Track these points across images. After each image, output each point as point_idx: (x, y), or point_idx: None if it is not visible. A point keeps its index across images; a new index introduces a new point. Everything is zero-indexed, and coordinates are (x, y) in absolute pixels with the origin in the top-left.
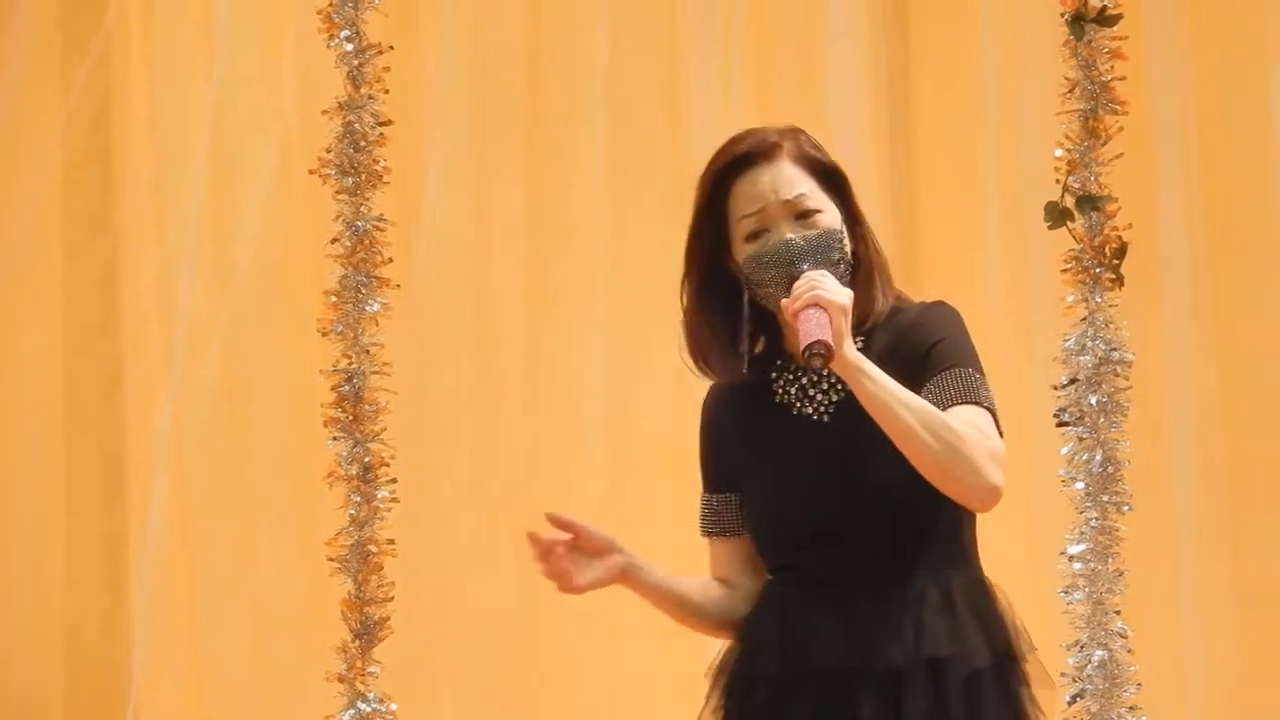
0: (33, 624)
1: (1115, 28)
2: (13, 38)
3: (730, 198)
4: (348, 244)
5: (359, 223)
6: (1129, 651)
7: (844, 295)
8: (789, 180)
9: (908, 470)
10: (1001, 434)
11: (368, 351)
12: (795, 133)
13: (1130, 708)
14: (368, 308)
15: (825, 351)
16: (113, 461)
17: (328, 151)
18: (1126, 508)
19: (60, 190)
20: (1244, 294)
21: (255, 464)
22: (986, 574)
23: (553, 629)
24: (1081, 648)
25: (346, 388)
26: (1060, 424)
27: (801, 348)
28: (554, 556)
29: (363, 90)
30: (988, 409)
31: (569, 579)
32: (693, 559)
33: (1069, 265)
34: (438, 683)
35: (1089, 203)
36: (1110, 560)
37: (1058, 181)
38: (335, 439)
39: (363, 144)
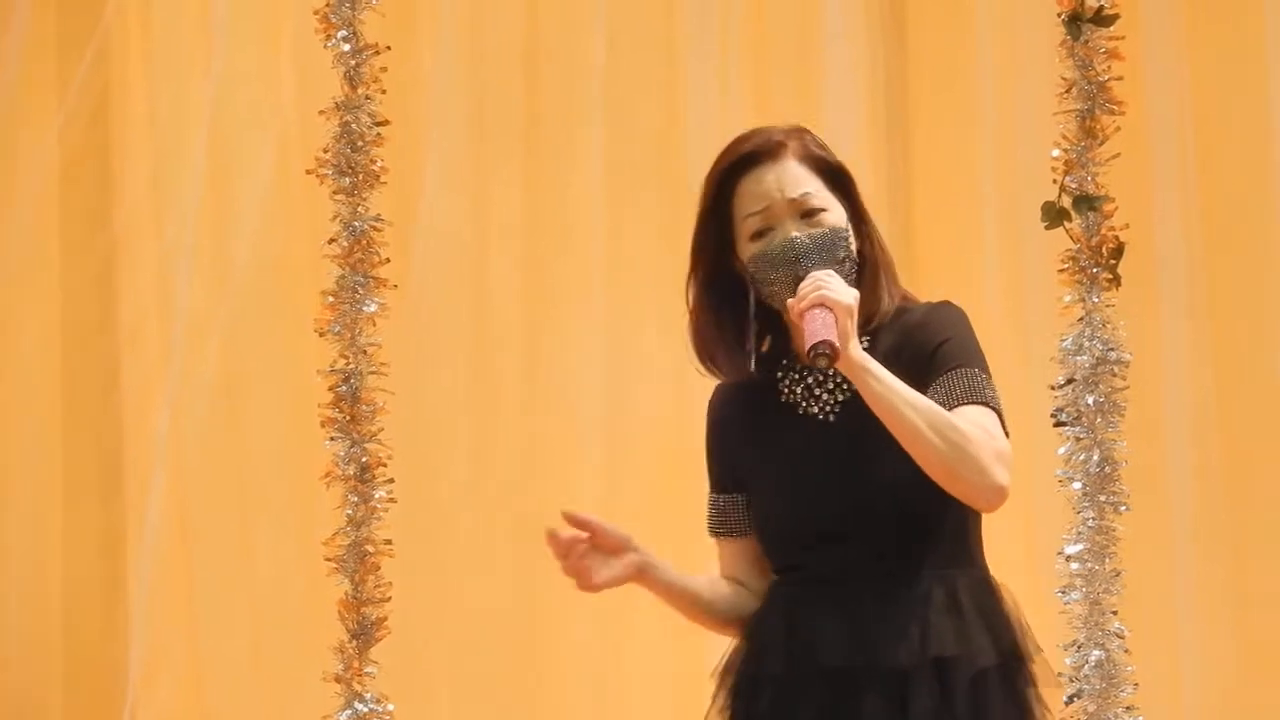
0: (31, 621)
1: (1112, 28)
2: (11, 35)
3: (735, 196)
4: (345, 244)
5: (356, 223)
6: (1126, 651)
7: (850, 295)
8: (794, 179)
9: (914, 470)
10: (1008, 434)
11: (365, 352)
12: (801, 132)
13: (1127, 708)
14: (365, 308)
15: (831, 351)
16: (110, 459)
17: (325, 151)
18: (1124, 508)
19: (58, 187)
20: (1240, 294)
21: (253, 463)
22: (992, 574)
23: (550, 629)
24: (1079, 648)
25: (344, 388)
26: (1057, 424)
27: (807, 348)
28: (574, 555)
29: (360, 90)
30: (993, 409)
31: (588, 577)
32: (691, 559)
33: (1066, 265)
34: (435, 683)
35: (1086, 203)
36: (1107, 560)
37: (1055, 181)
38: (332, 439)
39: (360, 144)
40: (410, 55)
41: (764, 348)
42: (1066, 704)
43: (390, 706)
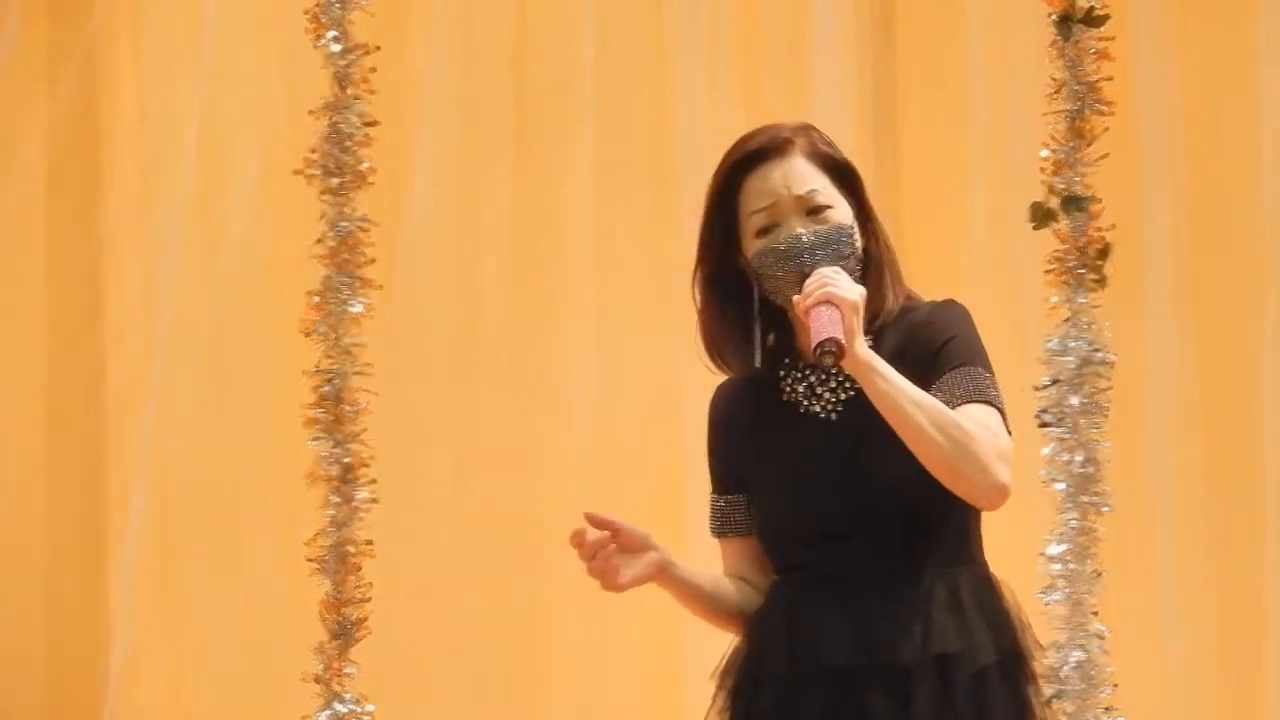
0: (11, 621)
1: (1102, 28)
2: (1, 35)
3: (742, 193)
4: (331, 244)
5: (343, 223)
6: (1106, 653)
7: (856, 292)
8: (801, 176)
9: (916, 468)
10: (1010, 432)
11: (350, 352)
12: (808, 129)
13: (1107, 709)
14: (350, 308)
15: (837, 349)
16: (94, 459)
17: (313, 152)
18: (1106, 508)
19: (46, 188)
20: (1226, 296)
21: (237, 463)
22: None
23: (533, 630)
24: (1059, 648)
25: (328, 388)
26: (1042, 424)
27: (813, 345)
28: (601, 555)
29: (349, 91)
30: (996, 407)
31: (614, 576)
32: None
33: (1053, 266)
34: (415, 684)
35: (1074, 203)
36: (1089, 561)
37: (1043, 182)
38: (316, 439)
39: (348, 144)
40: (400, 56)
41: (768, 344)
42: (1045, 704)
43: (370, 707)
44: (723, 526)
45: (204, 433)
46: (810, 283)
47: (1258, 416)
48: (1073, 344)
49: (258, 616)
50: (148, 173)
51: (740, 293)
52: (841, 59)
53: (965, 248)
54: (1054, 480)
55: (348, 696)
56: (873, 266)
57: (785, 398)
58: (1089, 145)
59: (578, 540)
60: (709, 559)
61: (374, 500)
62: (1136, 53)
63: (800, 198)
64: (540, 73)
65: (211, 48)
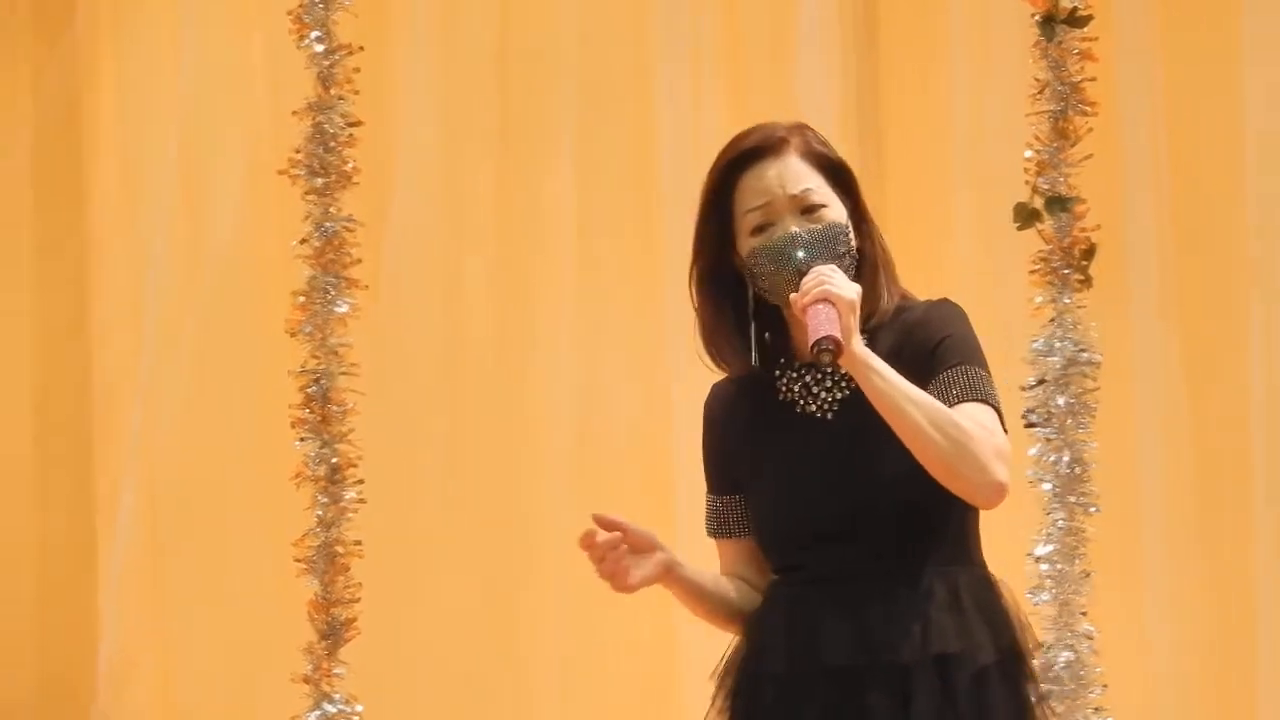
0: (1, 620)
1: (1086, 29)
2: None
3: (736, 191)
4: (316, 244)
5: (328, 223)
6: (1095, 653)
7: (853, 290)
8: (796, 175)
9: (913, 468)
10: (1006, 431)
11: (336, 352)
12: (803, 128)
13: (1096, 709)
14: (336, 308)
15: (834, 347)
16: (82, 459)
17: (297, 152)
18: (1094, 509)
19: (31, 189)
20: (1211, 295)
21: (224, 464)
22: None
23: (520, 629)
24: (1048, 649)
25: (314, 388)
26: (1028, 425)
27: (810, 343)
28: (611, 556)
29: (333, 91)
30: (993, 406)
31: (624, 577)
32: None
33: (1037, 266)
34: (404, 684)
35: (1058, 204)
36: (1077, 561)
37: (1027, 183)
38: (303, 440)
39: (332, 145)
40: (383, 56)
41: (764, 343)
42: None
43: (359, 707)
44: (719, 527)
45: (191, 432)
46: (807, 281)
47: (1244, 415)
48: (1058, 344)
49: (246, 616)
50: (132, 174)
51: (736, 291)
52: (825, 60)
53: (949, 249)
54: (1041, 480)
55: (337, 697)
56: (867, 266)
57: (781, 398)
58: (1073, 145)
59: (588, 542)
60: (697, 558)
61: (362, 500)
62: (1120, 53)
63: (795, 196)
64: (523, 72)
65: (194, 49)
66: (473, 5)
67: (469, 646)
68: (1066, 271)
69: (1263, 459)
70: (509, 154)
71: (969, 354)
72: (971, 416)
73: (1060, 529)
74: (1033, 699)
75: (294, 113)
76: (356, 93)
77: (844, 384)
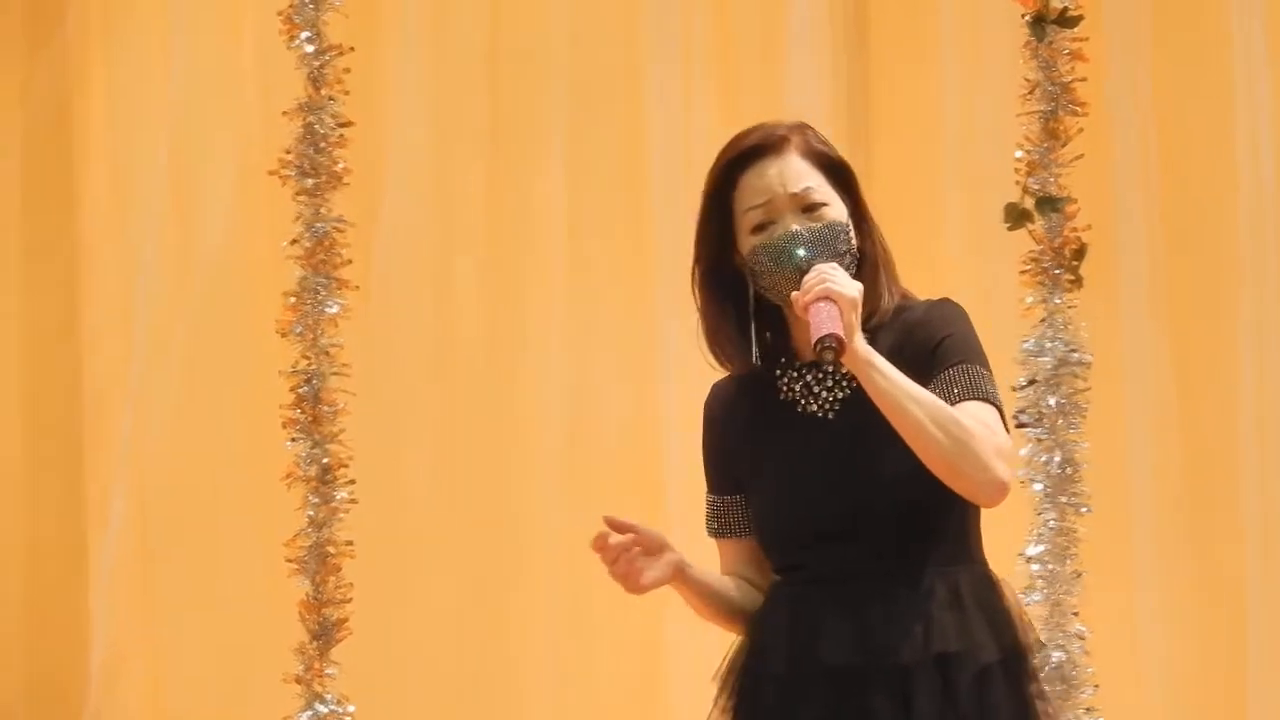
0: None
1: (1076, 29)
2: None
3: (737, 190)
4: (307, 245)
5: (318, 224)
6: (1086, 653)
7: (854, 288)
8: (796, 173)
9: (914, 467)
10: (1008, 430)
11: (327, 353)
12: (803, 127)
13: (1087, 709)
14: (327, 309)
15: (837, 344)
16: (73, 463)
17: (287, 153)
18: (1085, 509)
19: (21, 193)
20: (1201, 295)
21: (215, 465)
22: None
23: (512, 630)
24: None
25: (305, 389)
26: (1019, 425)
27: (813, 341)
28: (625, 558)
29: (323, 91)
30: (994, 404)
31: (637, 579)
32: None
33: (1028, 266)
34: (397, 684)
35: (1048, 204)
36: (1068, 561)
37: (1017, 183)
38: (294, 440)
39: (323, 145)
40: (374, 56)
41: (765, 341)
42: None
43: (351, 708)
44: (720, 527)
45: (182, 435)
46: (809, 279)
47: (1235, 415)
48: (1049, 344)
49: (237, 617)
50: (122, 177)
51: (738, 290)
52: (815, 60)
53: (940, 249)
54: (1032, 481)
55: (329, 697)
56: (868, 265)
57: (782, 397)
58: (1063, 146)
59: (600, 544)
60: (691, 558)
61: (353, 500)
62: (1110, 54)
63: (795, 195)
64: (514, 73)
65: (184, 51)
66: (463, 6)
67: (460, 646)
68: (1057, 272)
69: (1252, 459)
70: (499, 154)
71: (970, 353)
72: (973, 415)
73: (1051, 529)
74: (1035, 698)
75: (284, 113)
76: (347, 93)
77: (845, 383)
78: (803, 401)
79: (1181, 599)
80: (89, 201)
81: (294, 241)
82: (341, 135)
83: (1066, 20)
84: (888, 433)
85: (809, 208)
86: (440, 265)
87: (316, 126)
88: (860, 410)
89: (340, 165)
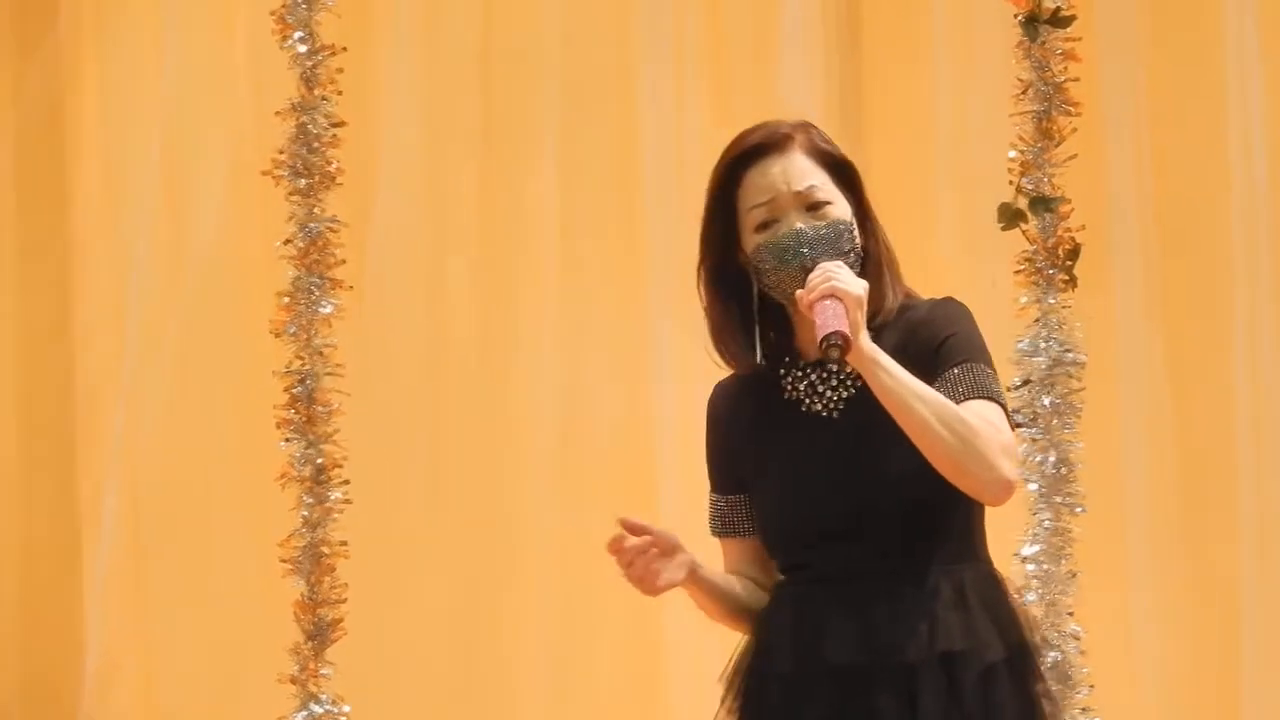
0: None
1: (1069, 29)
2: None
3: (741, 188)
4: (300, 245)
5: (312, 224)
6: (1082, 653)
7: (859, 286)
8: (800, 172)
9: (919, 466)
10: (1013, 428)
11: (321, 353)
12: (807, 126)
13: (1083, 709)
14: (321, 309)
15: (843, 342)
16: (66, 461)
17: (281, 152)
18: (1080, 509)
19: (14, 191)
20: (1195, 295)
21: (208, 465)
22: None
23: (507, 630)
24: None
25: (299, 389)
26: (1014, 426)
27: (819, 338)
28: (641, 560)
29: (316, 91)
30: (999, 403)
31: (653, 580)
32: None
33: (1022, 267)
34: (391, 684)
35: (1042, 204)
36: (1063, 561)
37: (1011, 183)
38: (288, 440)
39: (316, 145)
40: (367, 56)
41: (769, 340)
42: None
43: (346, 708)
44: (724, 527)
45: (175, 434)
46: (814, 277)
47: (1229, 415)
48: (1044, 345)
49: (231, 617)
50: (114, 176)
51: (742, 289)
52: (808, 60)
53: (933, 250)
54: (1027, 481)
55: (324, 697)
56: (872, 264)
57: (786, 396)
58: (1057, 146)
59: (616, 546)
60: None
61: (348, 500)
62: (1103, 53)
63: (799, 193)
64: (507, 73)
65: (176, 50)
66: (456, 6)
67: (455, 646)
68: (1051, 272)
69: (1247, 459)
70: (492, 154)
71: (974, 352)
72: (978, 413)
73: (1046, 529)
74: (1040, 697)
75: (277, 113)
76: (340, 93)
77: (850, 383)
78: (807, 401)
79: (1176, 599)
80: (82, 199)
81: (287, 241)
82: (334, 135)
83: (1059, 20)
84: (892, 432)
85: (813, 206)
86: (433, 265)
87: (309, 126)
88: (864, 409)
89: (333, 165)
